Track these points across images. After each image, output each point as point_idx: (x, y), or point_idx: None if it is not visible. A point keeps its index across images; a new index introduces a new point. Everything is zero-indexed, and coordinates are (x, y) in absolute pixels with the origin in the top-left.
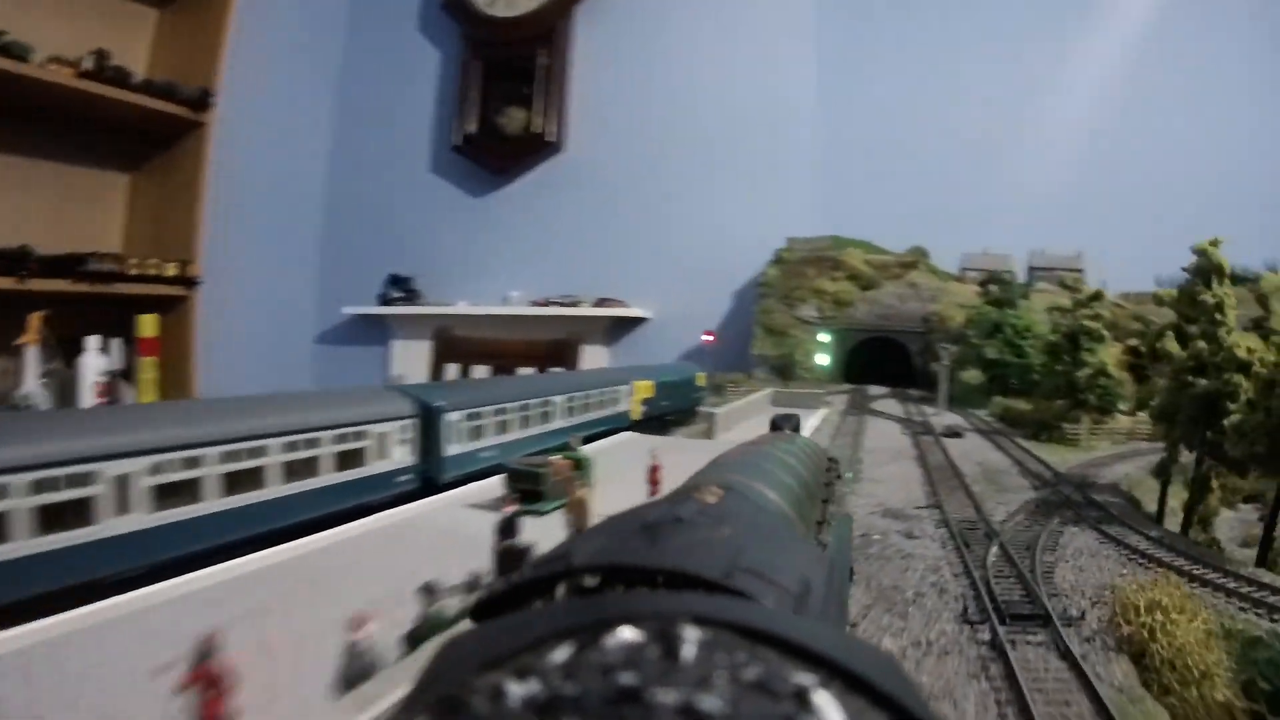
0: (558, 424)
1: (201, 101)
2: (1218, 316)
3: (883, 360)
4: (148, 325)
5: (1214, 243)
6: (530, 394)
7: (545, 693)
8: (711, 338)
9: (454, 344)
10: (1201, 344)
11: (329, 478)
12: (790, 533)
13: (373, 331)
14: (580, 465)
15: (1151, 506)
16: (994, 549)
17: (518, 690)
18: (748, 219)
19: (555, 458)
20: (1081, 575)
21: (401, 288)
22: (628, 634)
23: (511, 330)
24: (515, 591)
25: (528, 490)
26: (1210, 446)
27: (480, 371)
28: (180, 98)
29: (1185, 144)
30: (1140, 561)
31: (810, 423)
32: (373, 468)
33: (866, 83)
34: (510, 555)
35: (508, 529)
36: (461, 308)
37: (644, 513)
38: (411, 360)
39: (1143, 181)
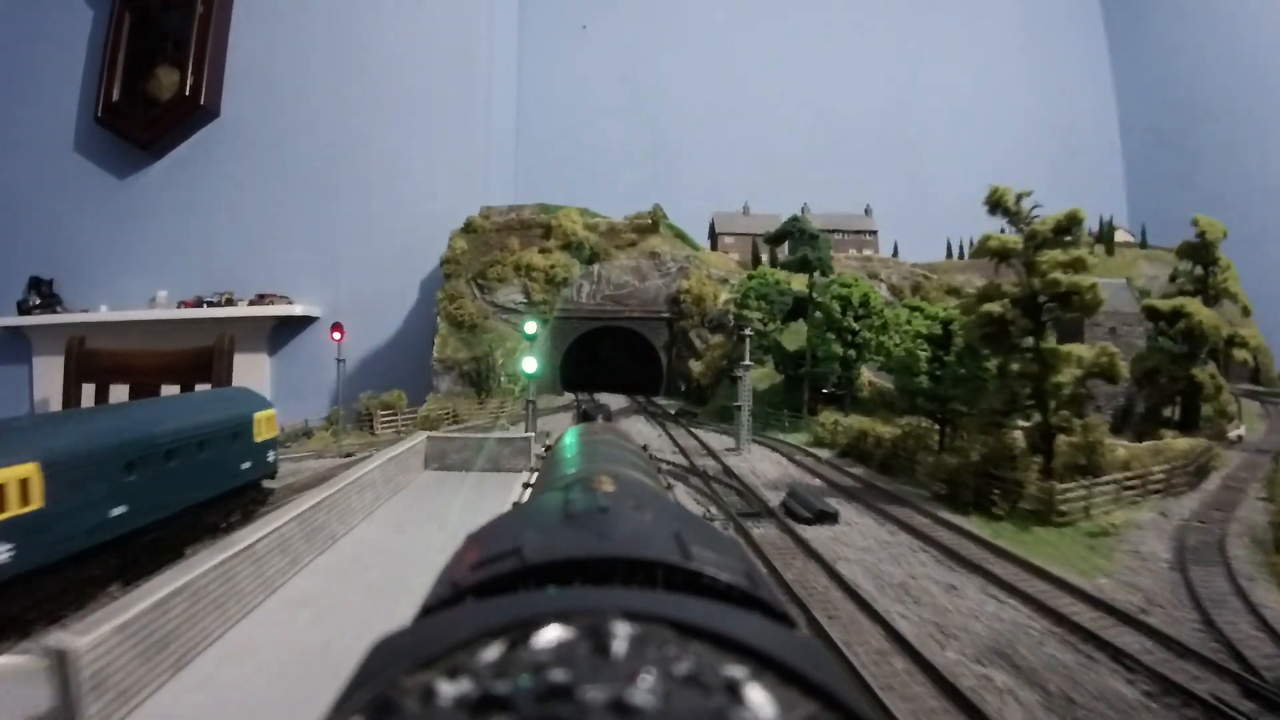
0: None
1: None
2: None
3: (616, 357)
4: None
5: None
6: None
7: (476, 691)
8: (340, 335)
9: (88, 359)
10: None
11: None
12: (698, 518)
13: (16, 346)
14: None
15: None
16: None
17: (449, 690)
18: (442, 193)
19: None
20: None
21: (41, 293)
22: (558, 631)
23: (165, 337)
24: (463, 598)
25: None
26: None
27: (119, 393)
28: None
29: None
30: None
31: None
32: None
33: (579, 37)
34: None
35: None
36: (104, 313)
37: (552, 505)
38: (56, 380)
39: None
